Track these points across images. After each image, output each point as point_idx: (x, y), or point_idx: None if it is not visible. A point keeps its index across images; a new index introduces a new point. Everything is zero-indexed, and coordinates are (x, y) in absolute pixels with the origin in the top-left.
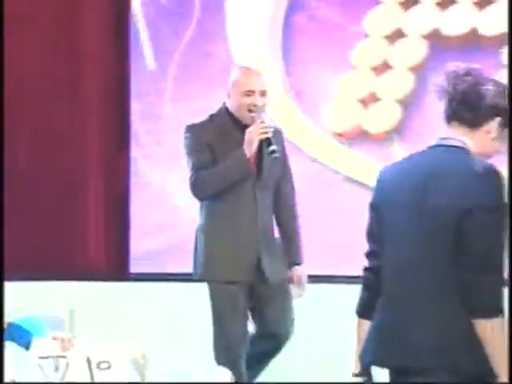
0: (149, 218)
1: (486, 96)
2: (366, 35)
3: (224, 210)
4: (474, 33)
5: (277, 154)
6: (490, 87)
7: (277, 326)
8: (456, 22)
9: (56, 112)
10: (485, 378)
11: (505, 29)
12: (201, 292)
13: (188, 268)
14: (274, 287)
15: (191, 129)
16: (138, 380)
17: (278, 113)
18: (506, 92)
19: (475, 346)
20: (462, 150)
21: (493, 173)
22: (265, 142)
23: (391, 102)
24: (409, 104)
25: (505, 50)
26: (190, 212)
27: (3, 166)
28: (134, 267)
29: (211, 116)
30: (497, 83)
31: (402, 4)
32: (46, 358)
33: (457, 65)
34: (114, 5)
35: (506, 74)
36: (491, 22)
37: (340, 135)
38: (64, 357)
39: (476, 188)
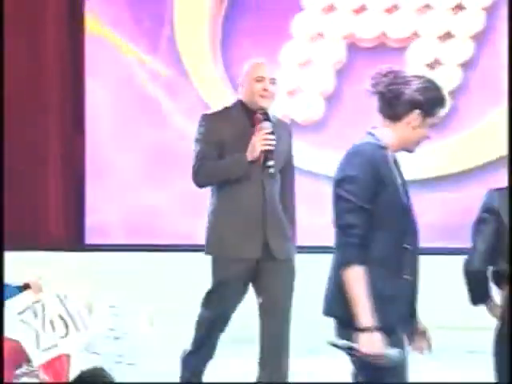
0: (103, 194)
1: (403, 94)
2: (293, 36)
3: (234, 194)
4: (383, 35)
5: (271, 170)
6: (407, 86)
7: (279, 300)
8: (368, 26)
9: (19, 93)
10: (352, 321)
11: (409, 33)
12: (149, 262)
13: (137, 240)
14: (279, 263)
15: (204, 118)
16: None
17: (209, 91)
18: (430, 85)
19: (344, 294)
20: (372, 136)
21: (357, 152)
22: (264, 154)
23: (316, 95)
24: (331, 97)
25: (410, 49)
26: (140, 189)
27: (3, 166)
28: (89, 239)
29: (226, 108)
30: (419, 79)
31: (323, 10)
32: (24, 311)
33: (380, 67)
34: None
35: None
36: (398, 27)
37: None
38: (38, 301)
39: (343, 163)
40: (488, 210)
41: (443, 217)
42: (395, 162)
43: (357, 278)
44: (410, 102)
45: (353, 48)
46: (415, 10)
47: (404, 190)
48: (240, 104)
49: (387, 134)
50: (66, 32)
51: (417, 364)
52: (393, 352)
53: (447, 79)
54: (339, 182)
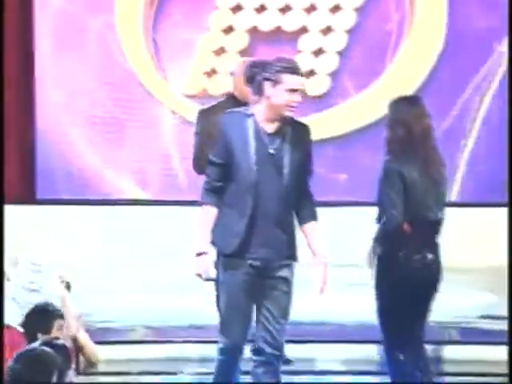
0: (52, 158)
1: (256, 77)
2: (208, 29)
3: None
4: (279, 29)
5: None
6: (261, 68)
7: None
8: (268, 21)
9: None
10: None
11: (299, 27)
12: (92, 217)
13: (81, 195)
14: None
15: (200, 113)
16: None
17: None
18: (276, 60)
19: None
20: (243, 110)
21: (220, 121)
22: None
23: (226, 76)
24: None
25: (300, 40)
26: (85, 150)
27: (3, 165)
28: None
29: (219, 102)
30: (276, 62)
31: (231, 9)
32: None
33: (249, 58)
34: None
35: (300, 58)
36: (290, 22)
37: (192, 97)
38: None
39: None
40: (392, 171)
41: (332, 172)
42: (262, 130)
43: (203, 215)
44: (262, 81)
45: (255, 38)
46: (303, 9)
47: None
48: (232, 97)
49: (259, 107)
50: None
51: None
52: (213, 273)
53: (328, 64)
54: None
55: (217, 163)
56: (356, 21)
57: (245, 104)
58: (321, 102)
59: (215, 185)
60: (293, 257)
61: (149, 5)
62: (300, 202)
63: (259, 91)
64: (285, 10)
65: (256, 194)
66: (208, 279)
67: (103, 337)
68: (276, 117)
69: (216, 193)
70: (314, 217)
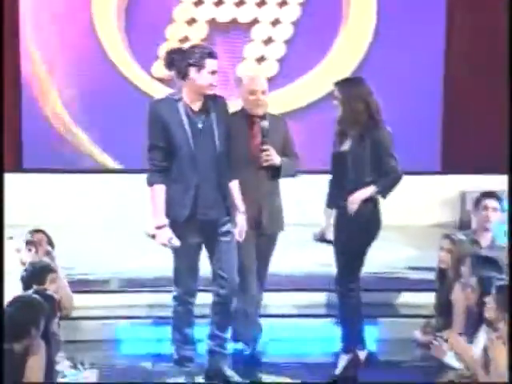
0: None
1: (176, 63)
2: (174, 20)
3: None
4: (235, 20)
5: (267, 163)
6: (185, 58)
7: (266, 264)
8: (224, 14)
9: None
10: None
11: (251, 19)
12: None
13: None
14: (270, 236)
15: None
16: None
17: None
18: (195, 48)
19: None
20: (170, 95)
21: (154, 109)
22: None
23: None
24: None
25: (253, 30)
26: (66, 125)
27: (3, 165)
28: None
29: (233, 112)
30: (196, 49)
31: (193, 3)
32: None
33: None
34: None
35: (252, 46)
36: (244, 14)
37: (160, 79)
38: None
39: None
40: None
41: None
42: (190, 109)
43: (155, 194)
44: (186, 67)
45: (214, 28)
46: (255, 3)
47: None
48: (242, 109)
49: (183, 90)
50: None
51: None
52: (176, 241)
53: (276, 51)
54: None
55: (159, 146)
56: (300, 14)
57: (250, 115)
58: (270, 83)
59: (161, 165)
60: (230, 212)
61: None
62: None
63: (184, 75)
64: (239, 4)
65: (196, 165)
66: (171, 246)
67: (83, 287)
68: (199, 96)
69: (162, 172)
70: (235, 176)
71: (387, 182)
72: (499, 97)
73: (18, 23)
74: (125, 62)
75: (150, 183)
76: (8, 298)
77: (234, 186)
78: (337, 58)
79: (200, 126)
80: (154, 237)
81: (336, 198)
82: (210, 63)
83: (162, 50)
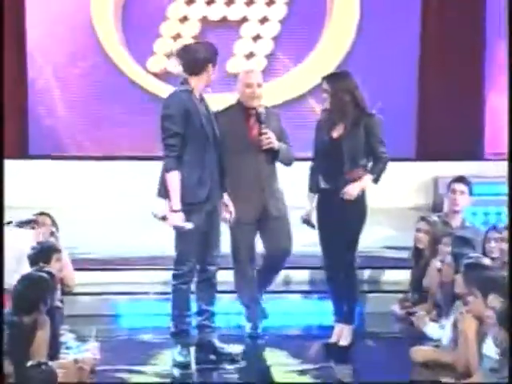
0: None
1: (196, 58)
2: (168, 18)
3: (236, 170)
4: (225, 18)
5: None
6: (207, 56)
7: (278, 248)
8: (215, 12)
9: None
10: None
11: (241, 17)
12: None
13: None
14: (276, 220)
15: (216, 115)
16: None
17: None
18: (200, 48)
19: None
20: (183, 85)
21: (174, 99)
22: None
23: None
24: None
25: (242, 28)
26: (68, 115)
27: (3, 165)
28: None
29: (231, 105)
30: (197, 45)
31: (186, 2)
32: None
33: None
34: None
35: (242, 43)
36: (234, 13)
37: (156, 74)
38: None
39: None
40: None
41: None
42: (202, 100)
43: (173, 180)
44: (206, 61)
45: (205, 26)
46: (244, 2)
47: (207, 119)
48: (239, 102)
49: (196, 81)
50: None
51: None
52: (189, 224)
53: (265, 48)
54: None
55: (180, 133)
56: (287, 12)
57: (246, 108)
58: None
59: (179, 152)
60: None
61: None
62: None
63: (200, 70)
64: (229, 2)
65: (209, 150)
66: (185, 230)
67: (85, 265)
68: (203, 90)
69: (178, 158)
70: None
71: (380, 168)
72: (471, 89)
73: (23, 22)
74: (121, 57)
75: (169, 169)
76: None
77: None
78: (322, 53)
79: (207, 113)
80: (164, 219)
81: (326, 183)
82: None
83: (157, 46)
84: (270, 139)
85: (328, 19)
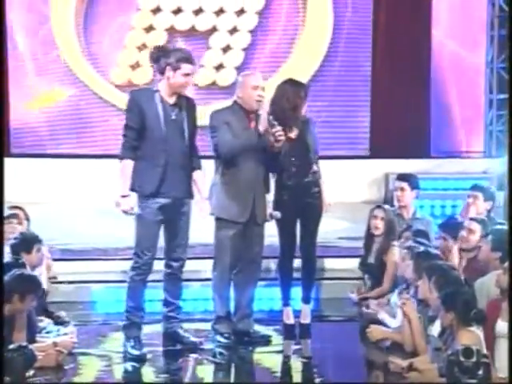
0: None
1: (160, 60)
2: (132, 28)
3: (232, 170)
4: (193, 28)
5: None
6: (166, 58)
7: (259, 252)
8: (183, 22)
9: None
10: None
11: (210, 27)
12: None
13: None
14: (258, 227)
15: (214, 113)
16: None
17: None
18: (176, 51)
19: None
20: (149, 87)
21: (134, 96)
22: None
23: (148, 69)
24: None
25: (211, 38)
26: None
27: (3, 164)
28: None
29: (227, 107)
30: (176, 52)
31: (151, 11)
32: None
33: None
34: None
35: (211, 54)
36: (203, 23)
37: (119, 86)
38: None
39: None
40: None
41: None
42: (176, 104)
43: (124, 167)
44: (165, 65)
45: (172, 36)
46: (213, 12)
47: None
48: (236, 104)
49: (161, 85)
50: None
51: None
52: (135, 209)
53: (234, 59)
54: None
55: (134, 127)
56: (257, 22)
57: (247, 110)
58: (228, 91)
59: (132, 143)
60: (191, 195)
61: (80, 3)
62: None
63: (162, 72)
64: (198, 12)
65: (165, 148)
66: (132, 214)
67: (64, 255)
68: (174, 93)
69: (133, 149)
70: (199, 167)
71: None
72: (419, 92)
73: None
74: (82, 67)
75: (121, 157)
76: None
77: (199, 175)
78: (294, 64)
79: (173, 117)
80: (118, 205)
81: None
82: (184, 67)
83: (121, 57)
84: (282, 135)
85: (300, 29)
